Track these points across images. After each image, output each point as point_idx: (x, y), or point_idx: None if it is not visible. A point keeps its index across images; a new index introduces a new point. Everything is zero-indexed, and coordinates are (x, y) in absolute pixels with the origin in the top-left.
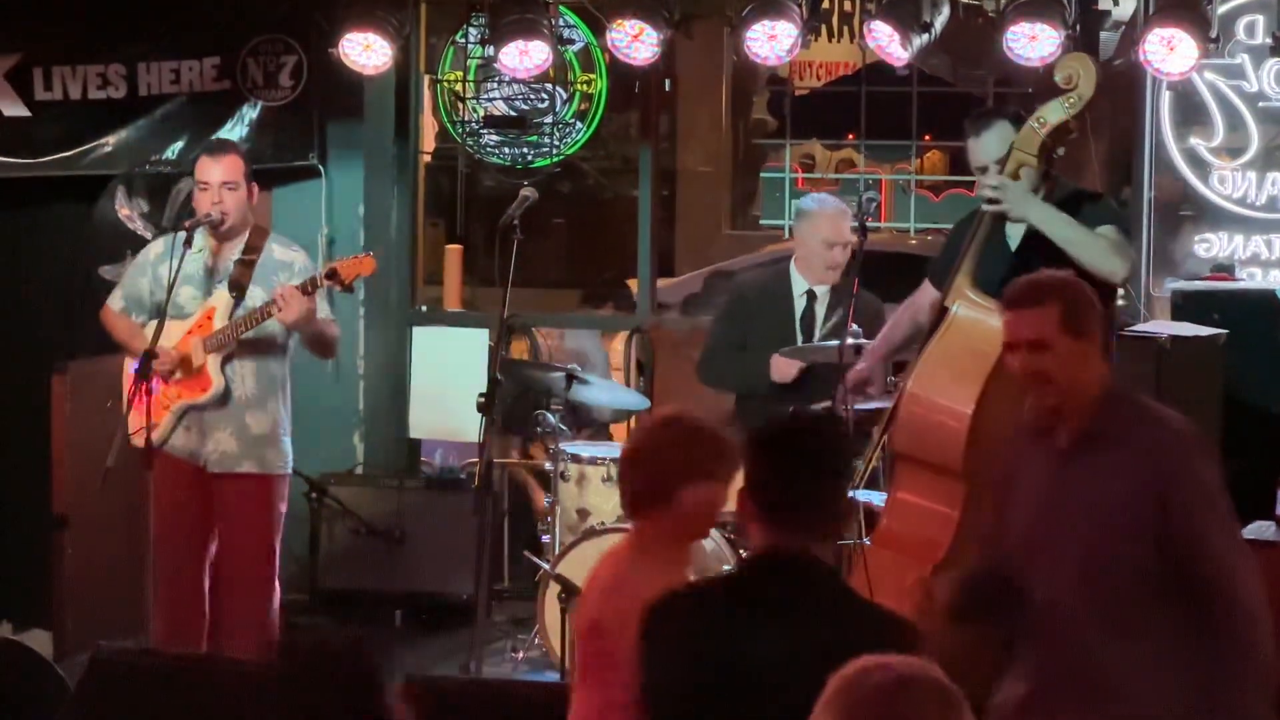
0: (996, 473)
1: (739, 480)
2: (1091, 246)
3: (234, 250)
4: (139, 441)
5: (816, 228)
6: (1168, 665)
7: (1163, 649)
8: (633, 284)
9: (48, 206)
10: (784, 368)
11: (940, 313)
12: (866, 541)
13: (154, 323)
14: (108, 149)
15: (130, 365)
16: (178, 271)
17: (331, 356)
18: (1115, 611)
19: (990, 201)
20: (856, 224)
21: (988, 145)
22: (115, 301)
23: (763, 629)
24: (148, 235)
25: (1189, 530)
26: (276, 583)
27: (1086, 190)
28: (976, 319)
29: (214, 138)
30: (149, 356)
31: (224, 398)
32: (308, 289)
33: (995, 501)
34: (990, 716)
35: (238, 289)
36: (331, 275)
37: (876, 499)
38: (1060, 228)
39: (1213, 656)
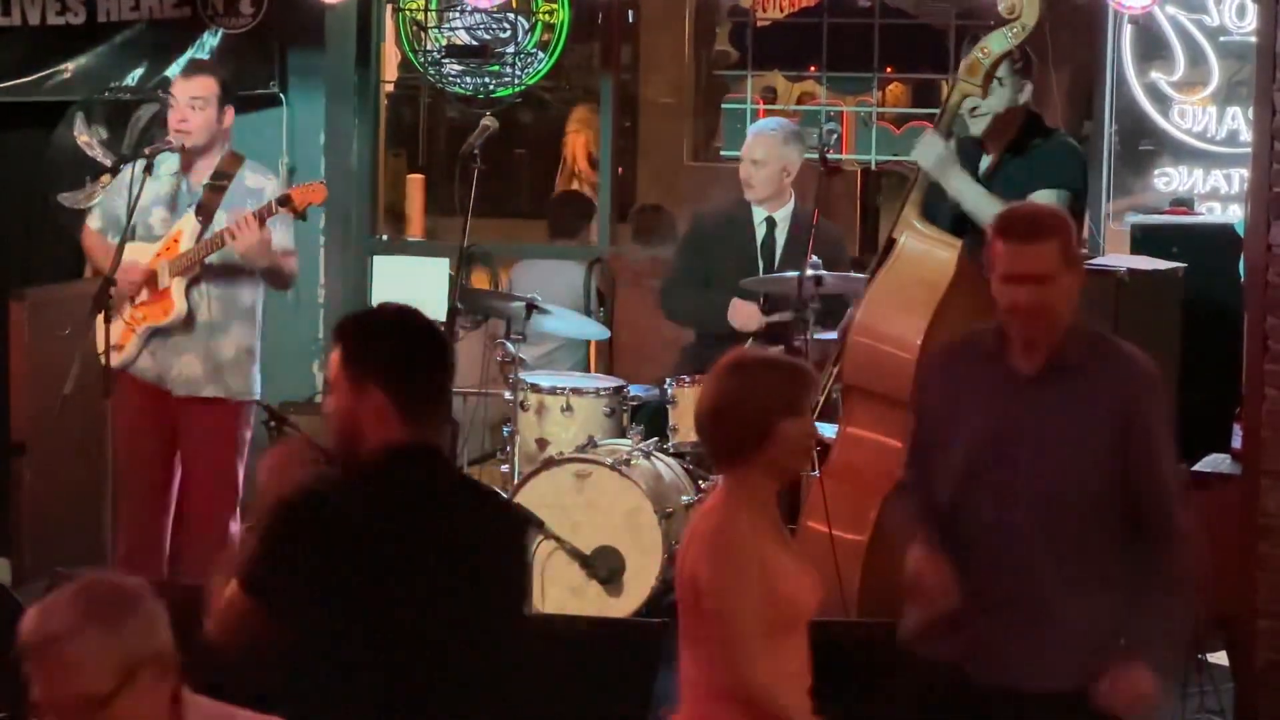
0: (930, 395)
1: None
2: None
3: (206, 174)
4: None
5: (744, 148)
6: (1101, 588)
7: (1100, 573)
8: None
9: (5, 132)
10: (745, 315)
11: (888, 244)
12: (815, 474)
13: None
14: (66, 75)
15: None
16: (137, 199)
17: (285, 289)
18: (1067, 535)
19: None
20: (818, 155)
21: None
22: (94, 220)
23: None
24: (106, 163)
25: (1146, 461)
26: (239, 510)
27: (1064, 141)
28: (924, 250)
29: (190, 59)
30: (108, 283)
31: (188, 321)
32: (262, 216)
33: (928, 422)
34: (922, 632)
35: (205, 213)
36: (285, 202)
37: (828, 431)
38: (972, 200)
39: (1149, 580)
